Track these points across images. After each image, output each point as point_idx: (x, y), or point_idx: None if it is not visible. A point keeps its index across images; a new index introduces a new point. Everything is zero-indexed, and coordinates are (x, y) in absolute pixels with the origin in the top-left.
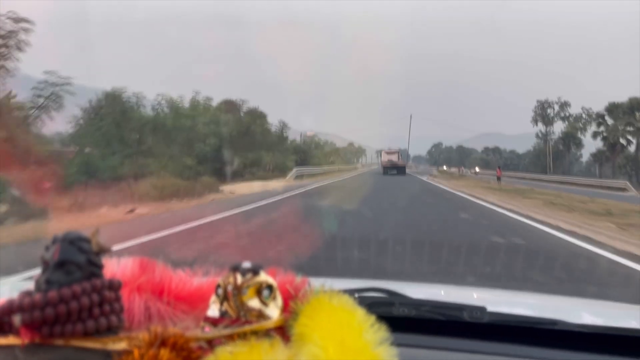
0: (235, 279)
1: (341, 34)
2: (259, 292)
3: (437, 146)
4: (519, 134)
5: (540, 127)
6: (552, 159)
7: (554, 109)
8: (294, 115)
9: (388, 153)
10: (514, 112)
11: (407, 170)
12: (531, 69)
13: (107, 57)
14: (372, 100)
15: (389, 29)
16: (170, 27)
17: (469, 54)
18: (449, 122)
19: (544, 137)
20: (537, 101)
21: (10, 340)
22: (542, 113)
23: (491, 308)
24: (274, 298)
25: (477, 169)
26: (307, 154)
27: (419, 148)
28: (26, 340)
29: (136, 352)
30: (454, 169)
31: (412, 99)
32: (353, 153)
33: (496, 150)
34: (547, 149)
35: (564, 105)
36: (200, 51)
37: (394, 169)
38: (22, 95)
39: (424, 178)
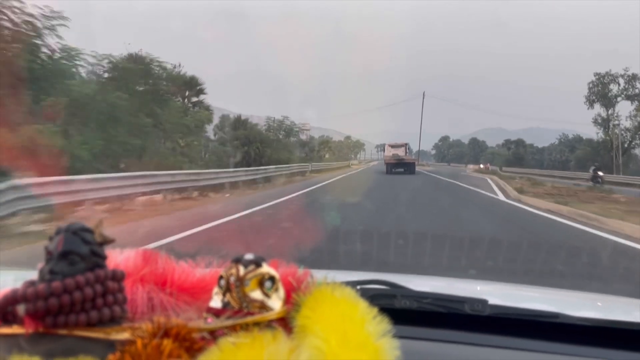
0: (237, 270)
1: (344, 28)
2: (261, 284)
3: (444, 140)
4: (522, 128)
5: (598, 110)
6: (615, 153)
7: (619, 84)
8: (295, 109)
9: (392, 147)
10: (514, 107)
11: (420, 169)
12: (531, 66)
13: (107, 49)
14: (374, 97)
15: (392, 25)
16: (173, 20)
17: (471, 50)
18: (451, 116)
19: (605, 122)
20: (595, 74)
21: (14, 329)
22: (602, 91)
23: (493, 301)
24: (276, 290)
25: (599, 173)
26: (269, 145)
27: (422, 143)
28: (30, 330)
29: (139, 343)
30: (471, 166)
31: (414, 95)
32: (350, 148)
33: (520, 144)
34: (612, 140)
35: (633, 79)
36: (201, 44)
37: (401, 167)
38: None
39: (501, 196)
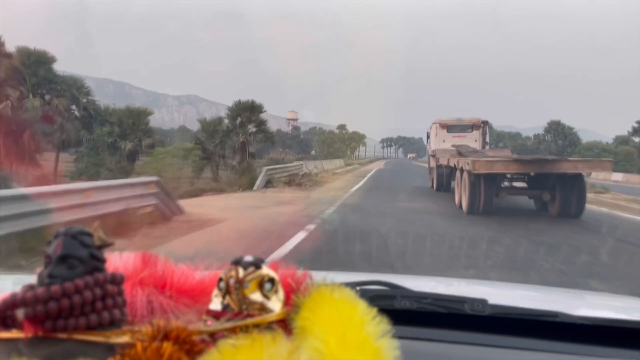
0: (237, 272)
1: (343, 25)
2: (260, 286)
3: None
4: (534, 127)
5: None
6: None
7: None
8: (296, 107)
9: (450, 128)
10: (525, 106)
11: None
12: (539, 64)
13: (106, 50)
14: (374, 94)
15: (391, 23)
16: (171, 21)
17: (475, 46)
18: (455, 113)
19: None
20: None
21: (13, 334)
22: None
23: (492, 300)
24: (276, 291)
25: None
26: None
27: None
28: (29, 334)
29: (139, 346)
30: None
31: (419, 92)
32: (344, 141)
33: None
34: None
35: None
36: (201, 45)
37: (545, 191)
38: None
39: None
